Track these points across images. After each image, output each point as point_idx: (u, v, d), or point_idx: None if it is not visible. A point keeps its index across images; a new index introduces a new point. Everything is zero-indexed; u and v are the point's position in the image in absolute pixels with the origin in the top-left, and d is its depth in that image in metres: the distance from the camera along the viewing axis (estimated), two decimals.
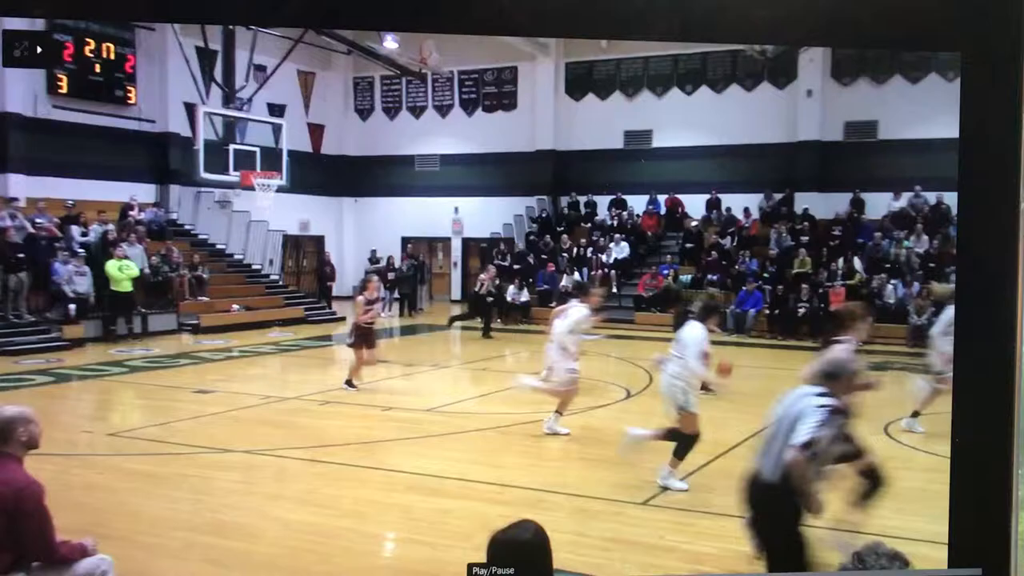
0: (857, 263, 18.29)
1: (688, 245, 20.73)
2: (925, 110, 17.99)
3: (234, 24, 16.62)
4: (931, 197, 18.94)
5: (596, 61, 22.73)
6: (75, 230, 16.50)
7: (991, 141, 2.82)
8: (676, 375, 7.14)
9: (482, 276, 19.02)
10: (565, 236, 21.65)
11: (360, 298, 11.74)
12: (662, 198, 21.80)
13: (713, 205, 21.18)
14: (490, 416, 9.92)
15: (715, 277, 19.37)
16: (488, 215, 23.22)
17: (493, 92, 23.86)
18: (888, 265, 18.14)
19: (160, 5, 2.82)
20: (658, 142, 22.13)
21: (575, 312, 8.99)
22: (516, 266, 21.00)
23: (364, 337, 11.40)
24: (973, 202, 2.86)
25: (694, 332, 7.21)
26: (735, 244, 20.10)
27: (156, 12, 3.02)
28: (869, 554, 2.99)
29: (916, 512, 5.99)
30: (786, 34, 3.06)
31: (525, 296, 19.76)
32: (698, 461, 7.42)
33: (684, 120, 21.70)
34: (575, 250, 21.35)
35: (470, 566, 2.98)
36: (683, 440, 7.11)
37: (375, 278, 12.58)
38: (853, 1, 2.83)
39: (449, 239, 24.60)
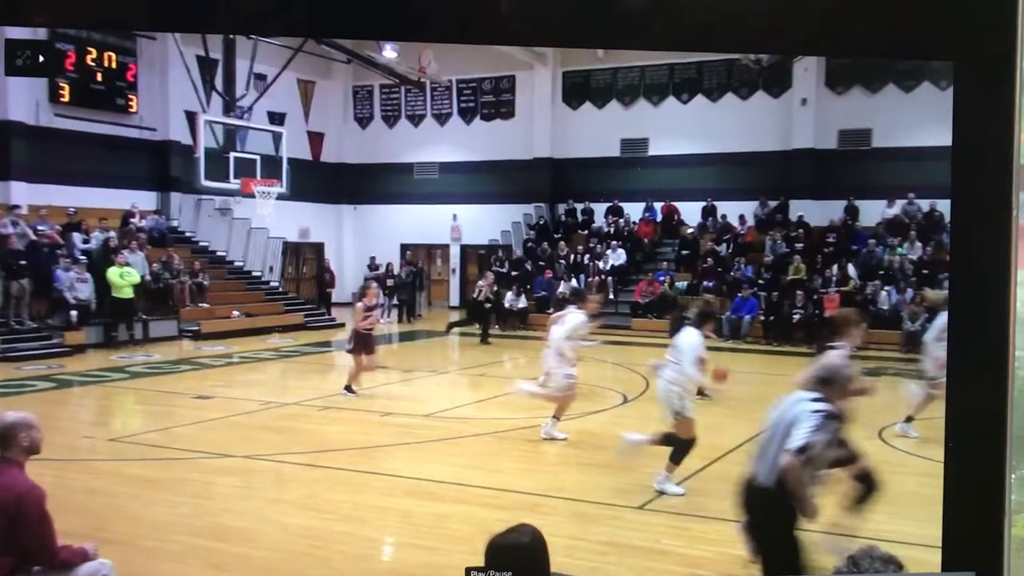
0: (851, 270, 18.37)
1: (684, 252, 20.80)
2: (918, 118, 18.08)
3: (234, 34, 16.71)
4: (924, 204, 19.03)
5: (593, 70, 22.84)
6: (77, 237, 16.57)
7: (985, 149, 2.82)
8: (672, 380, 7.21)
9: (480, 283, 19.09)
10: (562, 243, 21.71)
11: (359, 304, 11.77)
12: (658, 205, 21.89)
13: (709, 212, 21.25)
14: (488, 421, 9.96)
15: (711, 283, 19.43)
16: (486, 222, 23.28)
17: (491, 101, 23.95)
18: (882, 272, 18.22)
19: (160, 15, 2.82)
20: (654, 150, 22.21)
21: (572, 318, 9.06)
22: (514, 272, 21.07)
23: (363, 343, 11.43)
24: (967, 209, 2.86)
25: (690, 338, 7.29)
26: (730, 251, 20.17)
27: (155, 22, 2.94)
28: (863, 558, 3.04)
29: (910, 516, 6.02)
30: (781, 43, 3.08)
31: (523, 302, 19.83)
32: (694, 466, 7.48)
33: (680, 128, 21.79)
34: (572, 257, 21.41)
35: (468, 570, 2.98)
36: (679, 445, 7.18)
37: (374, 285, 12.61)
38: (847, 10, 2.83)
39: (448, 246, 24.67)
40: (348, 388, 11.26)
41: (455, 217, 24.20)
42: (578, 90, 23.12)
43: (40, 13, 2.80)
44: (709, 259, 19.93)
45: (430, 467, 7.95)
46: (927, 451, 8.13)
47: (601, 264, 21.00)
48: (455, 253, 24.61)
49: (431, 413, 10.49)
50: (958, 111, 2.81)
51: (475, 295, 18.92)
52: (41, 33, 11.13)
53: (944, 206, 18.22)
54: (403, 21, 2.80)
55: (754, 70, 20.60)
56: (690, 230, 21.22)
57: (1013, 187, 2.81)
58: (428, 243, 24.62)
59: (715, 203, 21.14)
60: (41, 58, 3.02)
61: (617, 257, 21.05)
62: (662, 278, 19.95)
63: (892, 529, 5.74)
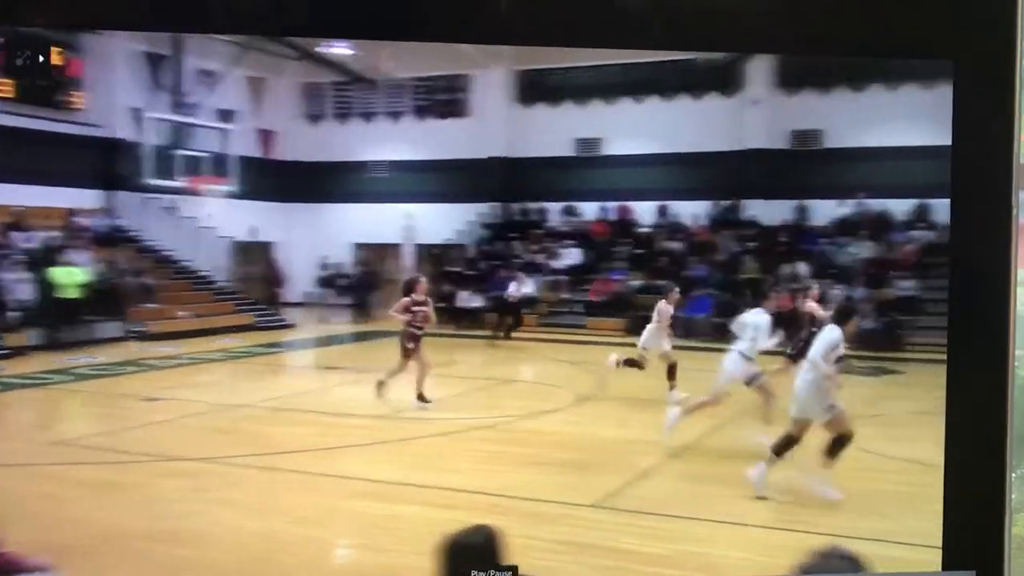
0: (803, 268, 18.62)
1: (638, 251, 20.93)
2: (869, 119, 18.40)
3: (234, 34, 16.48)
4: (875, 204, 19.35)
5: (547, 69, 22.85)
6: (18, 236, 16.15)
7: (985, 148, 2.84)
8: (813, 381, 7.21)
9: (513, 284, 19.27)
10: (517, 242, 21.72)
11: (405, 300, 11.44)
12: (613, 205, 21.98)
13: (663, 212, 21.40)
14: (443, 422, 9.90)
15: (665, 283, 19.53)
16: (440, 221, 23.14)
17: (445, 99, 23.85)
18: (834, 270, 18.51)
19: (161, 15, 2.84)
20: (609, 150, 22.28)
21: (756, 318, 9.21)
22: (469, 272, 21.03)
23: (415, 342, 11.18)
24: (967, 208, 2.89)
25: (828, 334, 7.33)
26: (684, 250, 20.35)
27: (157, 22, 2.98)
28: (828, 556, 3.07)
29: (884, 514, 6.10)
30: (779, 43, 3.09)
31: (478, 302, 19.80)
32: (650, 463, 7.49)
33: (634, 128, 21.88)
34: (527, 256, 21.44)
35: (468, 570, 3.00)
36: (839, 443, 7.16)
37: (423, 278, 12.30)
38: (845, 9, 2.87)
39: (401, 245, 24.48)
40: (421, 397, 10.87)
41: (409, 216, 24.01)
42: (532, 89, 23.12)
43: (40, 13, 2.81)
44: (663, 258, 20.08)
45: (384, 468, 7.88)
46: (897, 450, 8.18)
47: (556, 263, 21.07)
48: (409, 252, 24.44)
49: (386, 414, 10.40)
50: (958, 110, 2.84)
51: (507, 296, 19.04)
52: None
53: (894, 206, 18.67)
54: (403, 21, 2.82)
55: (707, 70, 20.77)
56: (644, 229, 21.36)
57: (1013, 186, 2.82)
58: (381, 242, 24.38)
59: (669, 203, 21.27)
60: (41, 58, 2.92)
61: (572, 256, 21.13)
62: (617, 278, 20.05)
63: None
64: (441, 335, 17.68)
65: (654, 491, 7.12)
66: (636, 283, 19.80)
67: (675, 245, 20.35)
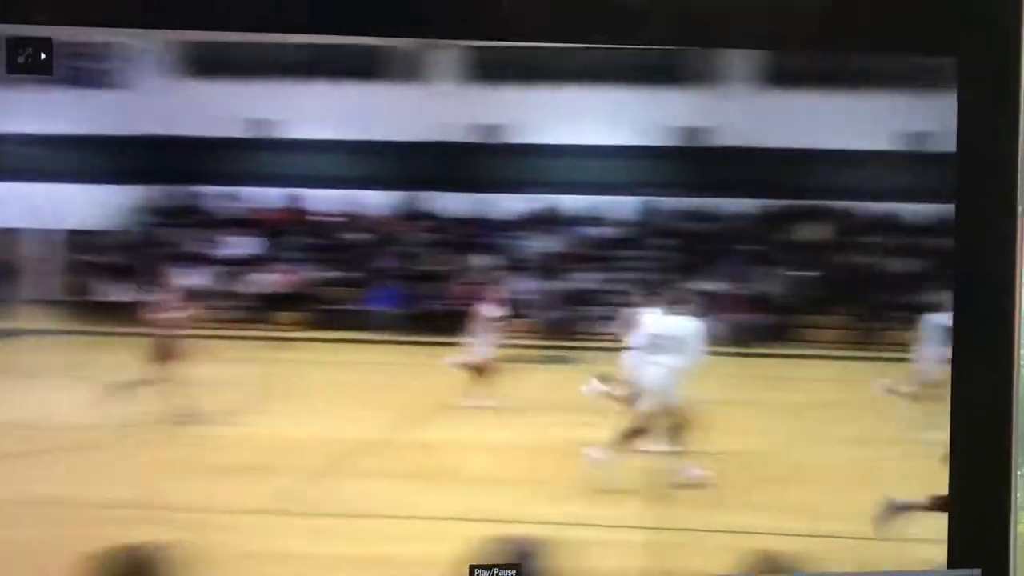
0: (486, 261, 19.00)
1: (321, 241, 20.32)
2: (552, 115, 19.12)
3: (237, 31, 13.47)
4: (557, 200, 20.21)
5: (220, 43, 21.23)
6: None
7: (989, 149, 2.92)
8: (675, 372, 7.41)
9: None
10: (179, 229, 20.12)
11: (164, 295, 9.86)
12: (292, 192, 21.11)
13: (346, 201, 20.94)
14: (96, 429, 8.59)
15: (351, 275, 19.21)
16: (88, 204, 20.78)
17: (94, 66, 21.43)
18: (518, 264, 19.07)
19: (166, 13, 3.10)
20: (287, 133, 21.31)
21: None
22: (120, 262, 19.10)
23: (167, 347, 9.65)
24: (971, 209, 2.96)
25: (699, 326, 7.55)
26: (368, 241, 20.06)
27: (161, 20, 3.17)
28: (509, 547, 3.20)
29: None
30: (783, 39, 3.22)
31: (124, 295, 18.07)
32: (325, 462, 7.39)
33: (317, 112, 21.09)
34: (191, 245, 19.95)
35: (472, 568, 3.04)
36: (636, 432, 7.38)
37: (172, 268, 10.78)
38: (849, 6, 2.98)
39: (39, 231, 21.66)
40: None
41: (49, 197, 21.29)
42: (200, 62, 21.42)
43: (40, 11, 3.25)
44: (347, 249, 19.67)
45: (11, 487, 6.54)
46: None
47: (223, 253, 19.81)
48: (49, 239, 21.68)
49: (24, 423, 8.79)
50: (962, 111, 2.93)
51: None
52: None
53: (571, 201, 19.58)
54: (402, 20, 2.96)
55: (396, 57, 20.58)
56: (328, 219, 20.77)
57: (1017, 187, 2.89)
58: (12, 227, 21.38)
59: (354, 191, 20.83)
60: (43, 55, 3.37)
61: (242, 245, 19.98)
62: (295, 269, 19.30)
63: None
64: (76, 332, 15.82)
65: (330, 490, 6.90)
66: (316, 275, 19.26)
67: (357, 235, 20.03)
